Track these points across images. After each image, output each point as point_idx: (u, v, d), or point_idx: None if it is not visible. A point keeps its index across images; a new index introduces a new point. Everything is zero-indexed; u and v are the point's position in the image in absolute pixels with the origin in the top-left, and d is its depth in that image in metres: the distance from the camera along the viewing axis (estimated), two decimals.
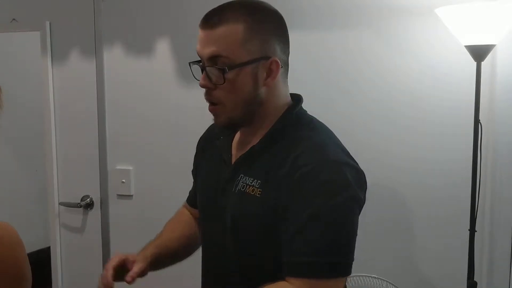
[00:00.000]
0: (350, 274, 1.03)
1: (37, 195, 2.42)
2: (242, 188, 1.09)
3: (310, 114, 1.17)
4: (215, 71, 1.05)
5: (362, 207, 1.08)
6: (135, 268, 1.21)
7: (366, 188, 1.10)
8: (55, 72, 2.18)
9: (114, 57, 2.11)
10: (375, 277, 1.67)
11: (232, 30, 1.04)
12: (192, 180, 1.35)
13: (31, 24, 2.18)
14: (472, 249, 1.61)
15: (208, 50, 1.05)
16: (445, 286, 1.79)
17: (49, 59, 2.16)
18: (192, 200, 1.38)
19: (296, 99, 1.16)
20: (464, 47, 1.56)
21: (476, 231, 1.61)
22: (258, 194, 1.06)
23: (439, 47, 1.72)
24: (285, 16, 1.11)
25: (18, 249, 1.00)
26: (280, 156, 1.06)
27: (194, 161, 1.35)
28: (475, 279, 1.62)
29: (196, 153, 1.34)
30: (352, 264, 1.02)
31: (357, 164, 1.09)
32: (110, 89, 2.13)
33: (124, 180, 2.13)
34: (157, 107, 2.08)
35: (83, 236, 2.21)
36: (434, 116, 1.76)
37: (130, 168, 2.14)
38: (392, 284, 1.67)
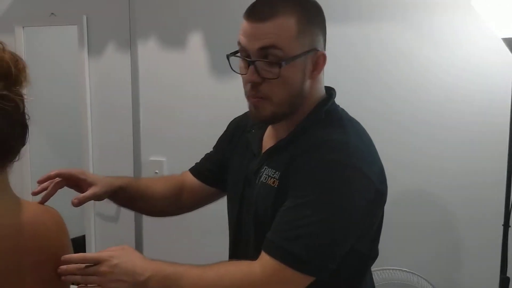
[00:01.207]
0: (323, 278, 0.99)
1: None
2: (265, 180, 1.10)
3: (342, 108, 1.15)
4: (266, 65, 1.02)
5: (362, 219, 1.03)
6: (87, 192, 1.18)
7: (379, 202, 1.07)
8: (91, 65, 2.24)
9: (148, 50, 2.16)
10: (405, 271, 1.67)
11: (286, 22, 1.01)
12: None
13: (69, 18, 2.25)
14: (505, 244, 1.59)
15: (260, 43, 1.01)
16: (477, 281, 1.77)
17: (85, 52, 2.22)
18: (196, 170, 1.38)
19: (329, 93, 1.15)
20: (502, 40, 1.54)
21: (510, 226, 1.59)
22: (276, 185, 1.07)
23: (475, 41, 1.69)
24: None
25: (64, 235, 1.05)
26: (301, 149, 1.05)
27: (220, 138, 1.35)
28: (507, 275, 1.61)
29: (225, 132, 1.35)
30: (328, 268, 0.98)
31: (379, 174, 1.06)
32: (144, 81, 2.18)
33: (157, 171, 2.18)
34: (190, 99, 2.12)
35: (117, 225, 2.28)
36: (468, 112, 1.73)
37: (163, 159, 2.18)
38: (424, 278, 1.66)
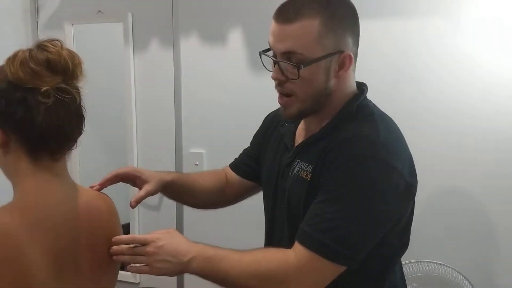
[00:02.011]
0: (353, 267, 1.04)
1: None
2: (297, 173, 1.14)
3: (373, 104, 1.18)
4: (289, 67, 1.07)
5: (392, 212, 1.07)
6: (142, 192, 1.24)
7: (409, 195, 1.10)
8: (136, 60, 2.33)
9: (190, 46, 2.22)
10: (440, 264, 1.68)
11: (308, 26, 1.04)
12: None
13: (115, 16, 2.33)
14: None
15: (283, 46, 1.06)
16: None
17: (130, 48, 2.31)
18: (235, 165, 1.45)
19: (361, 89, 1.17)
20: None
21: None
22: (309, 178, 1.11)
23: None
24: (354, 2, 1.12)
25: (115, 219, 1.13)
26: (333, 143, 1.08)
27: (255, 134, 1.41)
28: None
29: (260, 127, 1.41)
30: (358, 258, 1.03)
31: (408, 167, 1.08)
32: (185, 76, 2.25)
33: (197, 163, 2.26)
34: (229, 93, 2.18)
35: (159, 213, 2.37)
36: (509, 110, 1.72)
37: (203, 151, 2.26)
38: (458, 272, 1.67)
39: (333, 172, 1.05)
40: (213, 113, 2.23)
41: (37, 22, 2.46)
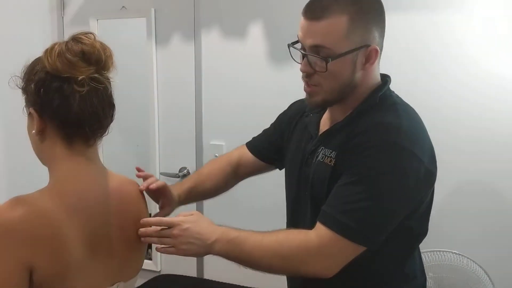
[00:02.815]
0: (373, 248, 1.08)
1: (139, 166, 2.64)
2: (321, 159, 1.18)
3: (396, 94, 1.21)
4: (317, 60, 1.11)
5: (412, 197, 1.10)
6: (161, 213, 1.30)
7: (429, 181, 1.13)
8: (158, 55, 2.37)
9: (211, 41, 2.27)
10: (455, 253, 1.70)
11: (336, 23, 1.08)
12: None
13: (139, 11, 2.38)
14: None
15: (311, 41, 1.10)
16: None
17: (153, 43, 2.36)
18: (252, 145, 1.50)
19: (384, 80, 1.21)
20: None
21: None
22: (333, 163, 1.15)
23: None
24: None
25: (143, 203, 1.19)
26: (356, 131, 1.13)
27: (280, 117, 1.46)
28: None
29: (285, 111, 1.45)
30: (378, 239, 1.07)
31: (429, 155, 1.12)
32: (206, 70, 2.30)
33: (217, 154, 2.29)
34: (249, 87, 2.22)
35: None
36: None
37: (223, 143, 2.30)
38: (474, 262, 1.69)
39: (356, 157, 1.09)
40: (233, 106, 2.27)
41: (62, 18, 2.53)
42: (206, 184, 1.48)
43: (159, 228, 1.13)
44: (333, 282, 1.10)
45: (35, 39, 2.35)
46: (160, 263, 2.49)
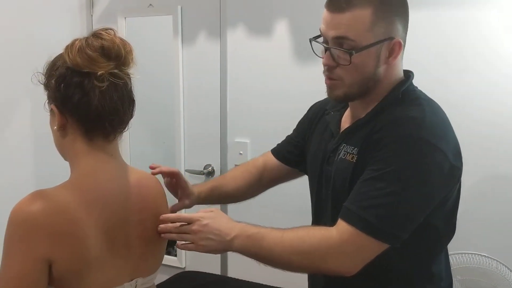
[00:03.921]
0: (395, 245, 1.05)
1: (164, 163, 2.66)
2: (343, 156, 1.16)
3: (419, 90, 1.19)
4: (340, 53, 1.10)
5: (436, 193, 1.07)
6: (180, 204, 1.33)
7: (453, 177, 1.10)
8: (184, 52, 2.38)
9: (237, 38, 2.26)
10: (485, 256, 1.65)
11: (360, 15, 1.07)
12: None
13: (165, 9, 2.39)
14: None
15: (334, 33, 1.09)
16: None
17: (179, 40, 2.37)
18: (277, 151, 1.49)
19: (407, 75, 1.19)
20: None
21: None
22: (355, 160, 1.13)
23: None
24: None
25: (163, 198, 1.19)
26: (379, 126, 1.11)
27: (300, 121, 1.45)
28: None
29: (305, 115, 1.44)
30: (400, 236, 1.04)
31: (454, 150, 1.09)
32: (232, 67, 2.29)
33: (241, 152, 2.30)
34: (274, 84, 2.20)
35: None
36: None
37: (247, 141, 2.30)
38: (504, 265, 1.64)
39: (378, 152, 1.07)
40: (258, 104, 2.26)
41: (91, 16, 2.57)
42: (229, 186, 1.48)
43: (178, 224, 1.13)
44: (355, 281, 1.08)
45: (64, 38, 2.34)
46: (185, 260, 2.50)
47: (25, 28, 2.26)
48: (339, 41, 1.09)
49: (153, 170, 1.28)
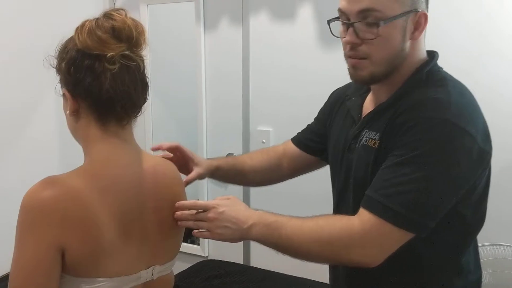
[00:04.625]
0: (421, 235, 0.99)
1: None
2: (365, 142, 1.11)
3: (445, 71, 1.13)
4: (365, 26, 1.04)
5: (464, 179, 1.01)
6: (193, 174, 1.30)
7: (483, 162, 1.04)
8: (206, 39, 2.36)
9: (259, 23, 2.23)
10: None
11: None
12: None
13: None
14: None
15: (359, 6, 1.03)
16: None
17: (201, 27, 2.34)
18: (298, 140, 1.45)
19: (431, 55, 1.13)
20: None
21: None
22: (377, 146, 1.08)
23: None
24: None
25: (179, 184, 1.17)
26: (402, 109, 1.05)
27: (321, 109, 1.40)
28: None
29: (326, 102, 1.40)
30: (427, 225, 0.98)
31: (482, 133, 1.03)
32: (254, 54, 2.26)
33: (264, 140, 2.27)
34: (297, 71, 2.16)
35: (227, 190, 2.40)
36: None
37: (270, 129, 2.27)
38: None
39: (402, 135, 1.01)
40: (281, 91, 2.22)
41: (114, 3, 2.56)
42: (246, 162, 1.44)
43: (194, 211, 1.10)
44: (379, 272, 1.03)
45: None
46: (207, 248, 2.50)
47: (49, 18, 2.26)
48: (364, 14, 1.03)
49: (153, 147, 1.30)
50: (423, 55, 1.12)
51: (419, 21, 1.06)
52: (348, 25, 1.07)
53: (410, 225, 0.99)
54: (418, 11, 1.05)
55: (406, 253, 1.02)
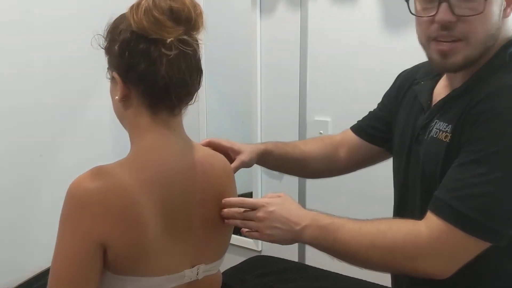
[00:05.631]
0: (499, 244, 0.86)
1: (242, 142, 2.61)
2: (435, 135, 0.99)
3: None
4: (462, 1, 0.91)
5: None
6: (236, 162, 1.18)
7: None
8: (262, 25, 2.27)
9: (318, 8, 2.10)
10: None
11: None
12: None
13: None
14: None
15: None
16: None
17: (257, 12, 2.26)
18: (358, 128, 1.33)
19: None
20: None
21: None
22: (448, 139, 0.95)
23: None
24: None
25: (228, 178, 1.10)
26: (478, 97, 0.91)
27: (385, 93, 1.28)
28: None
29: (391, 86, 1.27)
30: (507, 234, 0.85)
31: None
32: (312, 41, 2.15)
33: (321, 131, 2.16)
34: (359, 58, 2.03)
35: (281, 183, 2.32)
36: None
37: (328, 119, 2.15)
38: None
39: (477, 130, 0.89)
40: (340, 79, 2.09)
41: None
42: (299, 147, 1.33)
43: (242, 209, 1.02)
44: (450, 284, 0.91)
45: None
46: (261, 243, 2.42)
47: (103, 5, 2.25)
48: None
49: None
50: (508, 34, 0.98)
51: None
52: (440, 0, 0.92)
53: (484, 233, 0.87)
54: None
55: (481, 263, 0.89)
